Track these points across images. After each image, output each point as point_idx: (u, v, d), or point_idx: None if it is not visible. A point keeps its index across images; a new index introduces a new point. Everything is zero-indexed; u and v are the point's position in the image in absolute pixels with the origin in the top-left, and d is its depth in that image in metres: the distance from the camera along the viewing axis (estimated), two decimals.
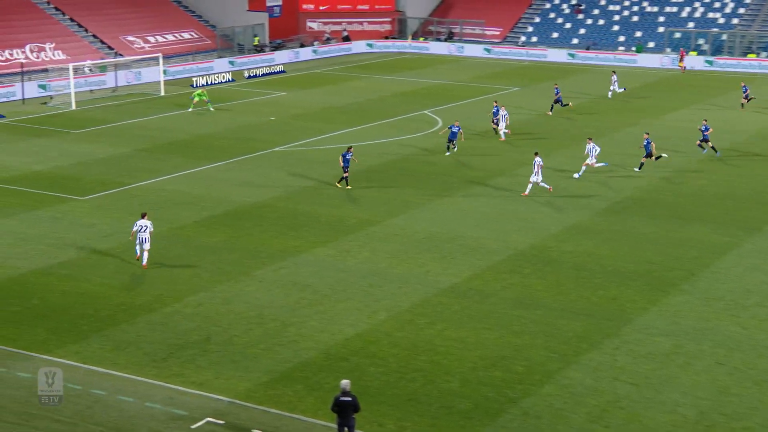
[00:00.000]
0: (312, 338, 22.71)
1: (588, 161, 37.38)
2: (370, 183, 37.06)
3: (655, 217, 32.79)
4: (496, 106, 45.61)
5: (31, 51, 60.88)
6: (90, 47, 64.82)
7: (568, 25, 79.30)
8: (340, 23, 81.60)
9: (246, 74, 64.65)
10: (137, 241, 27.08)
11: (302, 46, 77.36)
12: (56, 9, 67.25)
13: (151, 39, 68.97)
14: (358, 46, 78.92)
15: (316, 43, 78.07)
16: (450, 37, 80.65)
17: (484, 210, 33.56)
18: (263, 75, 65.65)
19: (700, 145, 41.88)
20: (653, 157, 38.64)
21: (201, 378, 20.65)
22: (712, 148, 41.58)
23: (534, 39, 78.76)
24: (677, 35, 74.22)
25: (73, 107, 52.41)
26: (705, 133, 41.46)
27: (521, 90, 59.53)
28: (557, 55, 74.22)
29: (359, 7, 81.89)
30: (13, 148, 42.49)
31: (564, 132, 46.63)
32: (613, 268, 27.79)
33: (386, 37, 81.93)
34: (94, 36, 66.62)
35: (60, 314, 23.93)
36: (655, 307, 24.86)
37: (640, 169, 38.71)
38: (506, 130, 44.76)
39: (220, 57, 69.67)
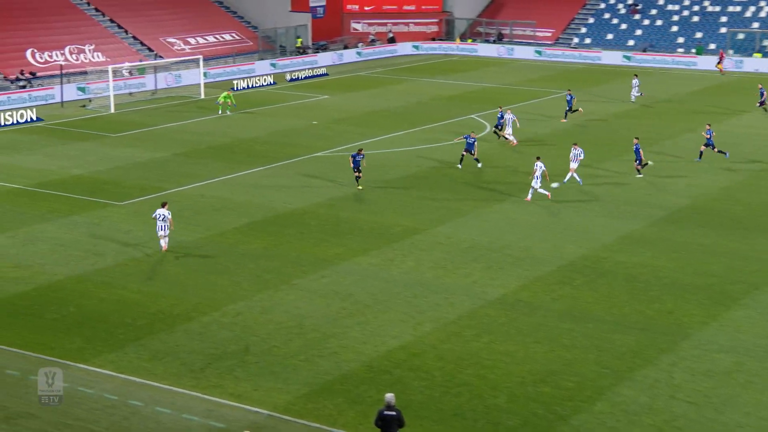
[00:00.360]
0: (354, 350, 22.74)
1: (572, 166, 36.89)
2: (415, 189, 37.05)
3: (715, 228, 32.30)
4: (501, 112, 45.40)
5: (71, 53, 61.96)
6: (130, 49, 65.78)
7: (623, 26, 78.60)
8: (385, 24, 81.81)
9: (288, 77, 65.11)
10: (159, 232, 29.17)
11: (346, 48, 77.73)
12: (96, 10, 68.38)
13: (192, 40, 69.81)
14: (404, 48, 79.06)
15: (360, 44, 78.38)
16: (499, 39, 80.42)
17: (534, 218, 33.35)
18: (305, 78, 66.08)
19: (707, 149, 41.17)
20: (641, 164, 38.50)
21: (239, 390, 20.79)
22: (719, 151, 41.02)
23: (587, 41, 78.21)
24: (740, 36, 73.12)
25: (112, 110, 53.22)
26: (709, 138, 40.88)
27: (574, 94, 59.03)
28: (612, 58, 73.61)
29: (405, 7, 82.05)
30: (51, 152, 43.27)
31: (622, 137, 46.15)
32: (670, 280, 27.43)
33: (433, 39, 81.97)
34: (134, 37, 67.61)
35: (96, 322, 24.27)
36: (714, 322, 24.48)
37: (641, 173, 38.53)
38: (512, 137, 44.38)
39: (262, 59, 70.28)
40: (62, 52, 61.68)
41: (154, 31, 68.98)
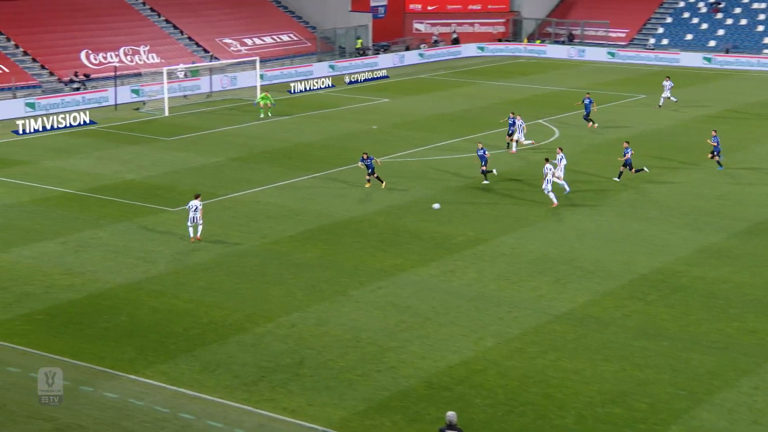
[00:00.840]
0: (412, 365, 22.73)
1: (558, 173, 36.73)
2: (479, 197, 36.94)
3: None
4: (512, 118, 45.20)
5: (125, 54, 63.06)
6: (185, 50, 66.79)
7: (704, 26, 77.38)
8: (449, 24, 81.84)
9: (347, 79, 65.48)
10: (189, 223, 31.42)
11: (408, 49, 77.91)
12: (152, 10, 69.56)
13: (248, 41, 70.61)
14: (469, 50, 78.96)
15: (423, 45, 78.49)
16: (570, 40, 79.83)
17: (604, 229, 33.00)
18: (365, 80, 66.39)
19: (714, 158, 40.75)
20: (633, 169, 38.53)
21: (293, 404, 20.92)
22: (718, 162, 40.55)
23: (665, 41, 77.17)
24: None
25: (166, 113, 54.11)
26: (716, 146, 40.59)
27: (649, 98, 58.40)
28: (691, 60, 72.54)
29: (470, 7, 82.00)
30: (104, 156, 44.14)
31: (700, 144, 45.42)
32: (753, 297, 26.88)
33: (499, 40, 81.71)
34: (190, 38, 68.63)
35: (148, 332, 24.67)
36: None
37: (619, 178, 38.68)
38: (529, 141, 44.79)
39: (320, 61, 70.80)
40: (116, 53, 62.80)
41: (210, 32, 69.93)
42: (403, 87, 64.03)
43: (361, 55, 73.72)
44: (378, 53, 75.04)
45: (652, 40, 77.57)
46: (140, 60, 63.35)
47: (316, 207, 35.83)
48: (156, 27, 68.07)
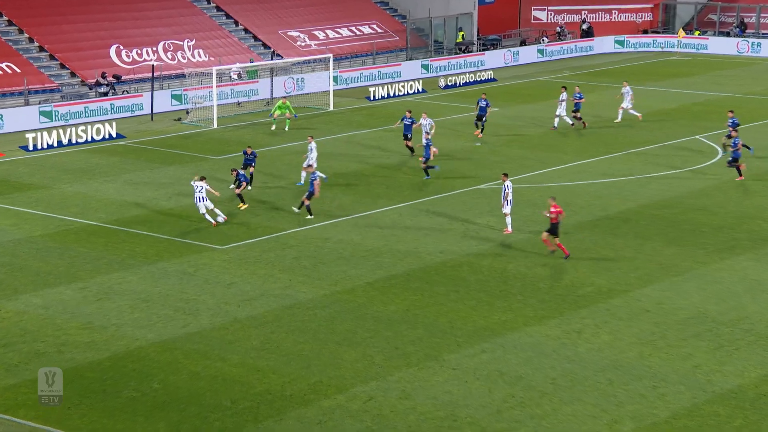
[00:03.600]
0: None
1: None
2: (613, 236, 36.58)
3: None
4: (483, 100, 51.48)
5: (165, 50, 64.14)
6: (239, 45, 67.84)
7: None
8: (578, 12, 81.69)
9: (442, 82, 65.75)
10: (200, 208, 37.24)
11: (523, 43, 77.95)
12: None
13: (320, 34, 71.40)
14: (604, 44, 78.62)
15: (543, 39, 78.42)
16: (741, 31, 78.74)
17: None
18: (465, 84, 66.60)
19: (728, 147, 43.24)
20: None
21: None
22: (745, 146, 43.83)
23: None
24: None
25: (215, 125, 54.97)
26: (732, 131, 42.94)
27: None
28: None
29: None
30: (135, 179, 44.95)
31: None
32: None
33: (645, 31, 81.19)
34: (245, 30, 69.75)
35: (186, 404, 24.93)
36: None
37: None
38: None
39: (411, 59, 71.30)
40: (154, 49, 63.87)
41: (272, 23, 70.88)
42: (515, 93, 63.93)
43: (463, 52, 73.99)
44: (485, 49, 75.18)
45: None
46: (183, 58, 64.43)
47: (400, 246, 35.89)
48: (204, 16, 69.23)
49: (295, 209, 39.01)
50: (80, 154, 49.96)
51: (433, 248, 35.65)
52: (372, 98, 61.90)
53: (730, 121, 46.46)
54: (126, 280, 32.98)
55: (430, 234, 37.18)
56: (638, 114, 53.64)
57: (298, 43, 69.86)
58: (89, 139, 51.86)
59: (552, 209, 33.94)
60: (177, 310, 30.58)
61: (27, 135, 50.41)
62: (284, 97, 55.04)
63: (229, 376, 26.35)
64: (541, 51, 76.08)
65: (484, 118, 51.89)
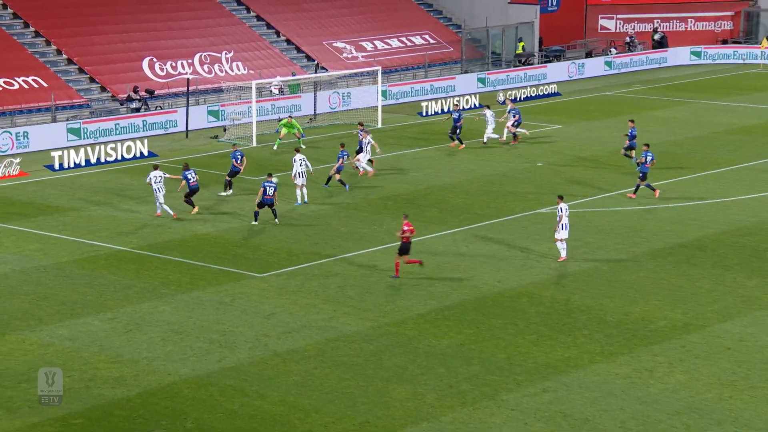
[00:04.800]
0: None
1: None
2: (689, 265, 36.34)
3: None
4: (455, 111, 51.81)
5: (201, 63, 64.69)
6: (281, 57, 68.25)
7: None
8: (650, 20, 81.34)
9: (500, 97, 65.63)
10: (157, 198, 40.61)
11: (589, 55, 77.80)
12: (237, 3, 71.28)
13: (367, 45, 71.68)
14: (678, 55, 78.29)
15: (612, 50, 78.24)
16: None
17: None
18: (526, 98, 66.55)
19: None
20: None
21: None
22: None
23: None
24: None
25: (254, 143, 55.24)
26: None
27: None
28: None
29: None
30: (169, 201, 45.22)
31: None
32: None
33: (725, 41, 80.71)
34: (288, 41, 70.15)
35: None
36: None
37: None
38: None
39: (466, 72, 71.38)
40: (190, 61, 64.43)
41: (316, 33, 71.25)
42: (580, 108, 63.74)
43: (523, 64, 73.98)
44: (547, 61, 75.10)
45: None
46: (221, 71, 64.92)
47: (454, 275, 35.85)
48: (243, 26, 69.75)
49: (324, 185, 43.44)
50: (110, 174, 50.42)
51: (489, 277, 35.58)
52: (425, 113, 61.95)
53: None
54: (158, 310, 33.18)
55: (486, 262, 37.12)
56: (499, 136, 55.06)
57: (344, 54, 70.16)
58: (119, 157, 52.37)
59: (404, 228, 34.87)
60: (212, 342, 30.70)
61: (53, 153, 50.90)
62: (289, 116, 55.07)
63: (269, 415, 26.40)
64: (608, 63, 75.86)
65: (458, 130, 53.72)
